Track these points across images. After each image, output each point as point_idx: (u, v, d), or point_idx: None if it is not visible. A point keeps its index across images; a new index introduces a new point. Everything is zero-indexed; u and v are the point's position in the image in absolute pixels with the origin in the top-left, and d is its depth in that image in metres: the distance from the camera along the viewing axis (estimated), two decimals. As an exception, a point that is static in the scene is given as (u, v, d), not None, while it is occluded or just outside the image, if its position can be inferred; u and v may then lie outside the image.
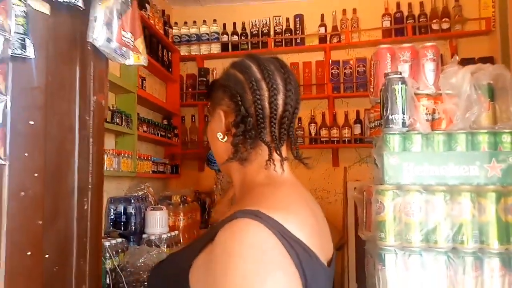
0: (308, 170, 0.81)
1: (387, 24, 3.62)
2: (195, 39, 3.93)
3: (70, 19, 0.98)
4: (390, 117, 1.21)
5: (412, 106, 1.22)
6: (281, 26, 3.86)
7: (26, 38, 0.85)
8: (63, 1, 0.93)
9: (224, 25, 3.90)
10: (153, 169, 3.12)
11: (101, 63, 1.07)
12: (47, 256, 0.94)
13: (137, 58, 1.12)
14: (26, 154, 0.87)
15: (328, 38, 3.76)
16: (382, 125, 1.24)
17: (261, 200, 0.69)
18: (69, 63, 0.99)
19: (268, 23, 3.90)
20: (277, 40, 3.82)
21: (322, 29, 3.79)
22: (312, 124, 3.59)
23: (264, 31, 3.87)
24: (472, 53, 3.31)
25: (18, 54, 0.84)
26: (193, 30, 3.95)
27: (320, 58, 3.75)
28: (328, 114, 3.63)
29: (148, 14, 3.26)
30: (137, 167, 2.92)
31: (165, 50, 3.60)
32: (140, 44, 1.12)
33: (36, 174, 0.90)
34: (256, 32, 3.88)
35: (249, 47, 3.83)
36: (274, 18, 3.90)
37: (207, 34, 3.89)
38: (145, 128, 3.08)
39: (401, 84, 1.21)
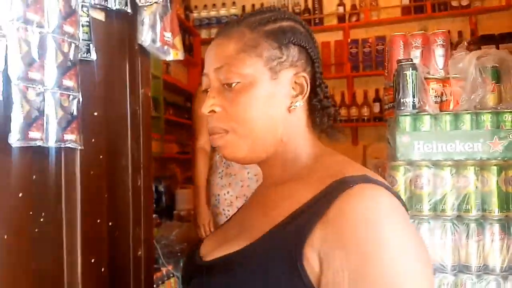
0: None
1: (406, 1, 3.66)
2: (215, 22, 4.05)
3: (120, 24, 1.15)
4: (402, 100, 1.35)
5: (422, 90, 1.35)
6: (299, 7, 3.95)
7: (90, 44, 1.02)
8: (115, 9, 1.10)
9: (243, 7, 4.00)
10: (178, 151, 3.32)
11: (146, 60, 1.23)
12: (110, 224, 1.13)
13: (176, 54, 1.28)
14: (93, 140, 1.06)
15: (346, 17, 3.83)
16: (395, 107, 1.38)
17: (348, 167, 0.62)
18: (121, 62, 1.16)
19: (286, 4, 3.98)
20: (295, 21, 3.90)
21: (341, 8, 3.86)
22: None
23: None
24: (492, 29, 3.32)
25: (84, 57, 1.01)
26: (213, 13, 4.07)
27: (339, 38, 3.83)
28: (347, 93, 3.74)
29: (171, 1, 3.38)
30: (164, 149, 3.12)
31: (186, 34, 3.74)
32: (178, 41, 1.28)
33: (100, 156, 1.08)
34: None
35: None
36: (292, -1, 3.98)
37: (227, 16, 4.01)
38: (171, 111, 3.27)
39: (412, 70, 1.34)
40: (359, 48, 3.72)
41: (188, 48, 3.76)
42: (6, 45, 0.83)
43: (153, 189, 2.76)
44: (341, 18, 3.83)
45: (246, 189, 2.00)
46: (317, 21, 3.87)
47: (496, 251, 1.31)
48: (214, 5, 4.03)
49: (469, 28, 3.48)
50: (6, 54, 0.83)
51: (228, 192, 2.03)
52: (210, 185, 2.06)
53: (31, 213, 0.91)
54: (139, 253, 1.20)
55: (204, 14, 4.06)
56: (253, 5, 3.97)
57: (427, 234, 1.35)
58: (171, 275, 2.37)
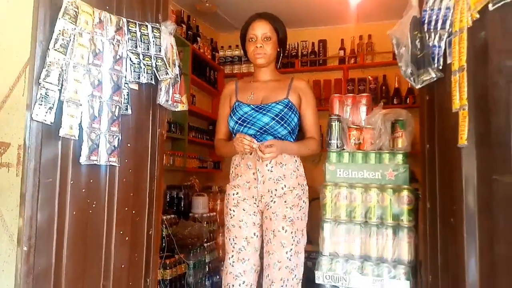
0: None
1: (397, 47, 4.26)
2: (237, 60, 4.81)
3: (147, 90, 1.88)
4: (330, 141, 2.01)
5: (343, 135, 2.00)
6: (307, 49, 4.64)
7: (128, 105, 1.76)
8: (144, 82, 1.84)
9: (261, 48, 4.73)
10: (199, 165, 4.06)
11: (163, 111, 1.97)
12: (133, 211, 1.85)
13: (182, 106, 2.00)
14: (126, 161, 1.78)
15: (346, 60, 4.48)
16: (326, 145, 2.04)
17: None
18: (146, 114, 1.90)
19: (296, 47, 4.69)
20: (303, 61, 4.60)
21: (342, 52, 4.51)
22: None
23: (293, 53, 4.66)
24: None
25: (124, 113, 1.75)
26: (236, 53, 4.84)
27: (339, 76, 4.48)
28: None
29: (199, 45, 4.18)
30: (186, 163, 3.87)
31: (211, 70, 4.52)
32: (184, 98, 2.00)
33: (130, 170, 1.81)
34: (286, 54, 4.68)
35: (280, 66, 4.63)
36: (301, 42, 4.68)
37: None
38: (193, 134, 4.03)
39: (337, 121, 2.00)
40: (355, 85, 4.35)
41: (212, 82, 4.54)
42: (81, 110, 1.57)
43: (168, 193, 3.48)
44: (341, 60, 4.48)
45: (253, 190, 1.94)
46: (321, 62, 4.54)
47: (389, 247, 1.93)
48: (237, 46, 4.80)
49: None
50: (82, 114, 1.57)
51: (237, 193, 1.99)
52: (227, 185, 2.08)
53: (88, 201, 1.64)
54: (151, 232, 1.91)
55: (228, 53, 4.83)
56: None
57: (343, 233, 1.99)
58: (183, 261, 3.07)
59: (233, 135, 2.03)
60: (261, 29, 1.99)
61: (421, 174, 1.68)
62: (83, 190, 1.60)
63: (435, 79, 1.48)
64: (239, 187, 1.98)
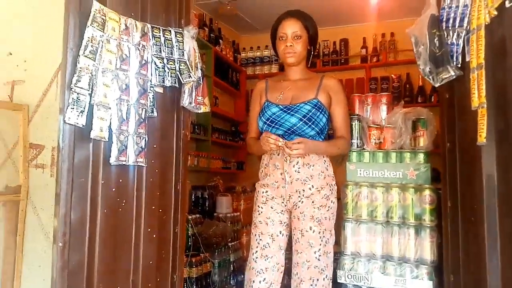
0: None
1: (420, 45, 4.21)
2: (259, 61, 4.86)
3: (171, 93, 1.95)
4: (350, 141, 2.02)
5: (363, 135, 2.01)
6: (328, 49, 4.64)
7: (153, 107, 1.83)
8: (169, 85, 1.91)
9: (282, 49, 4.77)
10: (222, 166, 4.13)
11: (186, 114, 2.03)
12: (160, 210, 1.92)
13: (205, 108, 2.07)
14: (153, 161, 1.86)
15: (368, 58, 4.46)
16: (347, 145, 2.06)
17: None
18: (171, 116, 1.97)
19: (318, 46, 4.69)
20: (324, 60, 4.60)
21: (364, 51, 4.49)
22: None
23: (314, 53, 4.66)
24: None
25: (150, 115, 1.82)
26: (257, 54, 4.89)
27: (361, 75, 4.46)
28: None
29: (221, 47, 4.26)
30: (210, 164, 3.94)
31: (234, 72, 4.59)
32: (206, 100, 2.06)
33: (156, 170, 1.89)
34: (316, 53, 4.69)
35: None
36: (323, 42, 4.68)
37: (268, 57, 4.80)
38: (217, 135, 4.10)
39: (357, 121, 2.02)
40: (378, 84, 4.32)
41: (235, 84, 4.60)
42: (111, 113, 1.65)
43: (193, 194, 3.55)
44: (363, 59, 4.46)
45: (281, 190, 1.94)
46: (343, 61, 4.54)
47: (412, 247, 1.92)
48: (258, 47, 4.85)
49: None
50: (111, 117, 1.66)
51: (266, 191, 1.99)
52: (257, 184, 2.09)
53: (118, 199, 1.73)
54: (176, 229, 1.98)
55: (250, 54, 4.89)
56: (290, 47, 4.72)
57: (365, 232, 2.00)
58: (208, 260, 3.14)
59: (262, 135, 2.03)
60: (291, 28, 1.98)
61: (442, 172, 1.67)
62: (113, 189, 1.68)
63: (454, 77, 1.49)
64: (268, 186, 1.99)
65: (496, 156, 1.28)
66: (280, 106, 1.97)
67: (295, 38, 1.97)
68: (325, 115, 1.94)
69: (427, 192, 1.89)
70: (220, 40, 4.28)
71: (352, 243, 2.02)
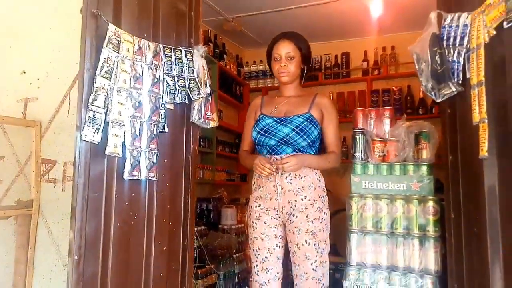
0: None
1: (420, 58, 4.29)
2: (261, 74, 4.94)
3: (181, 109, 2.02)
4: (354, 154, 2.08)
5: (367, 148, 2.07)
6: (330, 62, 4.72)
7: (164, 123, 1.89)
8: (179, 102, 1.97)
9: (284, 62, 4.85)
10: (226, 178, 4.18)
11: (195, 129, 2.10)
12: (170, 222, 1.97)
13: (213, 123, 2.13)
14: (163, 175, 1.91)
15: (370, 71, 4.53)
16: (351, 158, 2.11)
17: None
18: (181, 131, 2.03)
19: (320, 60, 4.78)
20: (326, 73, 4.68)
21: (365, 64, 4.57)
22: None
23: (316, 66, 4.75)
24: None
25: (161, 131, 1.88)
26: (260, 68, 4.97)
27: (363, 88, 4.53)
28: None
29: (225, 62, 4.34)
30: (215, 176, 4.00)
31: (237, 85, 4.67)
32: (215, 116, 2.13)
33: (167, 184, 1.94)
34: (310, 70, 4.77)
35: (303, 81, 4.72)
36: (324, 55, 4.77)
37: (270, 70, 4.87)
38: (221, 148, 4.16)
39: (361, 135, 2.08)
40: (379, 96, 4.39)
41: (238, 97, 4.68)
42: (124, 130, 1.71)
43: (198, 206, 3.60)
44: (365, 72, 4.54)
45: (274, 202, 2.01)
46: (344, 74, 4.61)
47: (416, 257, 1.96)
48: (261, 61, 4.94)
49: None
50: (124, 134, 1.72)
51: (259, 205, 2.07)
52: (250, 196, 2.16)
53: (130, 213, 1.78)
54: (186, 242, 2.02)
55: (253, 68, 4.98)
56: (292, 60, 4.81)
57: (370, 243, 2.04)
58: (213, 271, 3.17)
59: (256, 145, 2.15)
60: (285, 49, 2.10)
61: (445, 185, 1.73)
62: (126, 203, 1.74)
63: (455, 93, 1.55)
64: (260, 198, 2.07)
65: (497, 169, 1.34)
66: (274, 118, 2.09)
67: (289, 58, 2.09)
68: (316, 128, 2.05)
69: (430, 204, 1.94)
70: (224, 55, 4.37)
71: (357, 254, 2.06)
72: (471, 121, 1.42)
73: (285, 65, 2.09)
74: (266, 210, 2.05)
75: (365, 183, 2.08)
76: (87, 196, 1.57)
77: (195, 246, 3.15)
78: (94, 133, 1.57)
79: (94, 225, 1.61)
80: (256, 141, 2.11)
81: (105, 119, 1.62)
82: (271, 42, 2.19)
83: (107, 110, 1.62)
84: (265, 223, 2.05)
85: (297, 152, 2.01)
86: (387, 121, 2.15)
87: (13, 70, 2.41)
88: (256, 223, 2.07)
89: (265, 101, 2.24)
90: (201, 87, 2.00)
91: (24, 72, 2.40)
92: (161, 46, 1.86)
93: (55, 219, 2.25)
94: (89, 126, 1.56)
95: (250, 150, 2.25)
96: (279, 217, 2.05)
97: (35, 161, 2.27)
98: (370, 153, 2.06)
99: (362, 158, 2.08)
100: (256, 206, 2.08)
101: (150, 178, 1.81)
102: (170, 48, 1.90)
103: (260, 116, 2.14)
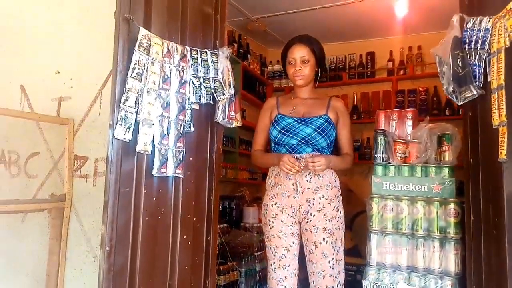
0: None
1: (446, 58, 4.23)
2: (285, 74, 4.96)
3: (206, 109, 2.10)
4: (375, 155, 2.11)
5: (388, 149, 2.09)
6: (355, 62, 4.71)
7: (190, 123, 1.97)
8: (204, 102, 2.05)
9: (308, 62, 4.87)
10: (249, 177, 4.25)
11: (219, 127, 2.17)
12: (194, 218, 2.05)
13: (237, 123, 2.20)
14: (189, 173, 2.00)
15: (395, 71, 4.50)
16: (372, 159, 2.14)
17: None
18: (205, 130, 2.11)
19: (344, 60, 4.78)
20: (350, 73, 4.67)
21: (390, 64, 4.54)
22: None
23: (340, 66, 4.75)
24: None
25: (187, 130, 1.96)
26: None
27: (388, 88, 4.50)
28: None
29: (249, 62, 4.40)
30: (238, 175, 4.07)
31: (261, 85, 4.72)
32: (238, 116, 2.19)
33: (192, 181, 2.02)
34: (333, 67, 4.77)
35: (327, 79, 4.72)
36: (349, 55, 4.76)
37: (294, 70, 4.91)
38: (244, 147, 4.23)
39: (383, 136, 2.10)
40: (405, 97, 4.35)
41: (262, 96, 4.73)
42: (153, 129, 1.80)
43: (221, 204, 3.67)
44: (390, 72, 4.51)
45: (292, 200, 2.05)
46: (369, 74, 4.59)
47: (436, 259, 1.98)
48: (284, 60, 4.97)
49: None
50: (153, 132, 1.80)
51: (276, 204, 2.10)
52: (264, 195, 2.21)
53: (158, 208, 1.86)
54: (209, 238, 2.10)
55: (276, 67, 5.02)
56: (316, 60, 4.82)
57: (390, 244, 2.06)
58: (235, 268, 3.25)
59: (273, 145, 2.20)
60: (299, 53, 2.15)
61: (465, 187, 1.73)
62: (154, 199, 1.83)
63: (476, 96, 1.56)
64: (277, 196, 2.10)
65: (517, 172, 1.34)
66: (294, 118, 2.13)
67: (303, 62, 2.15)
68: (334, 130, 2.12)
69: (451, 206, 1.95)
70: (248, 55, 4.43)
71: (377, 254, 2.09)
72: (491, 124, 1.43)
73: (300, 69, 2.14)
74: (283, 208, 2.09)
75: (385, 184, 2.10)
76: (118, 191, 1.67)
77: (218, 243, 3.23)
78: (126, 131, 1.66)
79: (124, 218, 1.70)
80: (276, 140, 2.15)
81: (136, 118, 1.71)
82: (286, 46, 2.24)
83: (137, 110, 1.71)
84: (282, 221, 2.10)
85: (315, 152, 2.06)
86: (409, 123, 2.17)
87: (48, 70, 2.55)
88: (273, 221, 2.11)
89: (280, 101, 2.28)
90: (226, 88, 2.07)
91: (58, 72, 2.53)
92: (188, 48, 1.94)
93: (86, 213, 2.37)
94: (121, 125, 1.65)
95: (263, 150, 2.29)
96: (295, 215, 2.10)
97: (68, 157, 2.40)
98: (392, 155, 2.08)
99: (383, 159, 2.10)
100: (272, 205, 2.12)
101: (177, 175, 1.89)
102: (197, 50, 1.98)
103: (279, 116, 2.18)
